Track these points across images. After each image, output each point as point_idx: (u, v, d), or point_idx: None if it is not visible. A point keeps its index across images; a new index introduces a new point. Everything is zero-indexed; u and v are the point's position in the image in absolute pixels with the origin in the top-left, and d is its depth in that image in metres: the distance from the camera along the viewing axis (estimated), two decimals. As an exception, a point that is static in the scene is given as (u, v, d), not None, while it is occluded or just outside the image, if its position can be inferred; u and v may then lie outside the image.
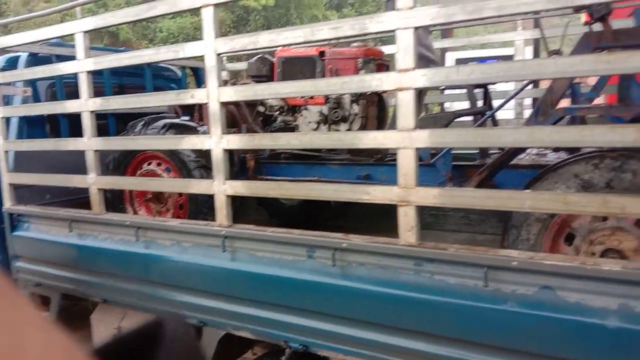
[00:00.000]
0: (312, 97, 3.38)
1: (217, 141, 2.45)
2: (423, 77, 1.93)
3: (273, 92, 2.33)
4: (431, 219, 4.09)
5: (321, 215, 4.41)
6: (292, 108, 3.57)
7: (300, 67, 3.40)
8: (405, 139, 2.00)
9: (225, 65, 5.31)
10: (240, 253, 2.48)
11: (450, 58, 6.98)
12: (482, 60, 6.69)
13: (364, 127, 3.38)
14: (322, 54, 3.37)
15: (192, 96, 2.61)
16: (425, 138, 1.98)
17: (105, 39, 20.13)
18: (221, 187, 2.47)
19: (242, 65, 5.21)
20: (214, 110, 2.46)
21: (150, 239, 2.83)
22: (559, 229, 2.08)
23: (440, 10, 1.88)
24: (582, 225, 2.03)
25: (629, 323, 1.60)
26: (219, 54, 2.44)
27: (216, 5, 2.39)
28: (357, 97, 3.35)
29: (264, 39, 2.33)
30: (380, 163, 3.17)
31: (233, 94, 2.44)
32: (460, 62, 6.74)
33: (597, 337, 1.67)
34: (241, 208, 4.17)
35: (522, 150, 2.45)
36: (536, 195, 1.75)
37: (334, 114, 3.34)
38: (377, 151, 3.27)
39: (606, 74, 1.64)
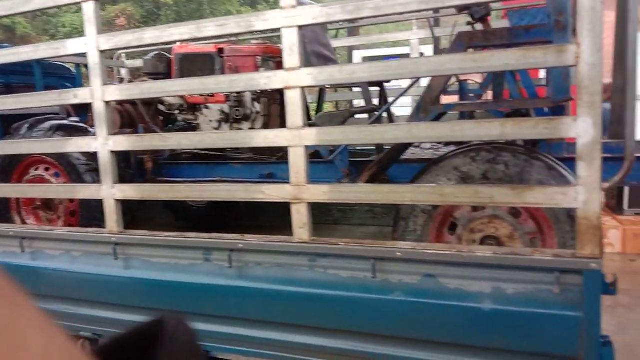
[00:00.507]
0: (212, 95, 3.32)
1: (103, 143, 2.33)
2: (309, 76, 1.95)
3: (160, 90, 2.25)
4: (339, 215, 4.17)
5: (231, 215, 4.35)
6: (193, 107, 3.48)
7: (198, 64, 3.32)
8: (295, 137, 2.01)
9: (125, 63, 5.08)
10: (134, 260, 2.37)
11: (358, 56, 7.14)
12: (386, 58, 6.90)
13: (266, 126, 3.36)
14: (220, 51, 3.31)
15: (75, 96, 2.46)
16: (314, 136, 2.00)
17: (0, 34, 18.56)
18: (110, 192, 2.35)
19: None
20: (99, 110, 2.33)
21: (38, 249, 2.64)
22: (443, 219, 2.19)
23: (322, 10, 1.91)
24: (463, 215, 2.15)
25: (501, 305, 1.72)
26: (101, 51, 2.32)
27: (97, 0, 2.27)
28: (258, 96, 3.33)
29: (150, 36, 2.24)
30: (282, 161, 3.17)
31: (118, 92, 2.33)
32: (366, 60, 6.91)
33: (475, 320, 1.78)
34: (146, 212, 4.02)
35: (409, 145, 2.55)
36: (415, 188, 1.82)
37: (235, 113, 3.29)
38: (280, 149, 3.27)
39: (473, 72, 1.75)
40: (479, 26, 2.77)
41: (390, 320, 1.90)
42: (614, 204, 5.37)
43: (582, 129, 1.59)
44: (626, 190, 5.09)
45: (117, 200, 2.35)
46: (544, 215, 2.03)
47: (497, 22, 4.56)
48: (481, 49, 2.40)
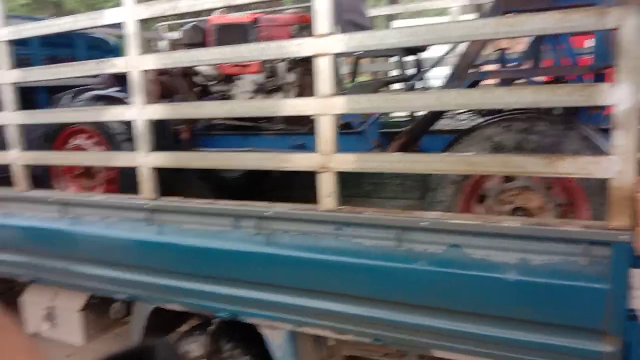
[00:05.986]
0: (246, 66, 3.33)
1: (139, 111, 2.39)
2: (339, 43, 1.93)
3: (192, 58, 2.28)
4: (370, 187, 4.14)
5: (265, 186, 4.40)
6: (228, 78, 3.50)
7: (233, 34, 3.32)
8: (323, 106, 2.01)
9: (164, 35, 5.15)
10: (167, 226, 2.45)
11: (395, 26, 7.00)
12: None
13: (300, 96, 3.36)
14: (255, 21, 3.31)
15: (113, 65, 2.52)
16: (341, 104, 1.99)
17: (49, 10, 19.16)
18: (145, 159, 2.42)
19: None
20: (135, 80, 2.39)
21: (76, 215, 2.75)
22: (472, 190, 2.14)
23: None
24: (493, 186, 2.09)
25: (526, 275, 1.69)
26: (138, 20, 2.36)
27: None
28: (293, 66, 3.32)
29: (184, 5, 2.26)
30: (314, 132, 3.17)
31: (153, 62, 2.37)
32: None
33: (499, 291, 1.75)
34: (182, 184, 4.11)
35: (440, 115, 2.49)
36: (443, 157, 1.79)
37: (269, 83, 3.30)
38: (312, 120, 3.27)
39: (507, 37, 1.68)
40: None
41: (412, 289, 1.90)
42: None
43: (620, 95, 1.51)
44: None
45: (153, 168, 2.42)
46: (578, 186, 1.96)
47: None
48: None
